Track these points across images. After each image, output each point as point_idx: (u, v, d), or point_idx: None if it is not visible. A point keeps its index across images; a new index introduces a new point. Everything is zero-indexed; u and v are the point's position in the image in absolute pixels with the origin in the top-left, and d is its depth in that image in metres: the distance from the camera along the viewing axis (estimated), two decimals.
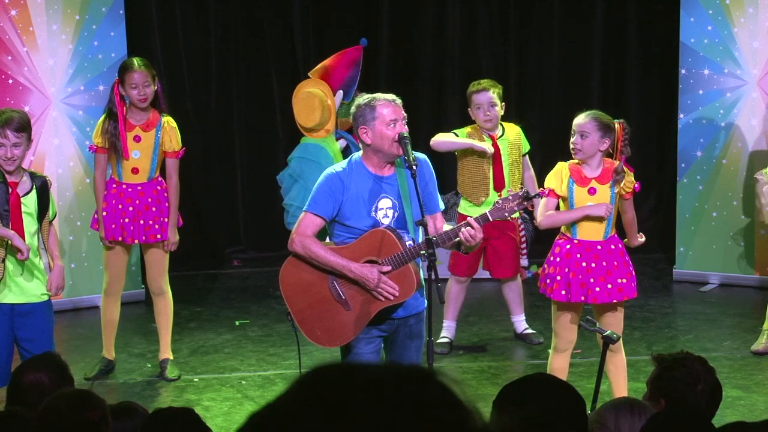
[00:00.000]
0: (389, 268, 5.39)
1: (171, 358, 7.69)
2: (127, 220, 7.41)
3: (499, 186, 7.92)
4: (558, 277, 6.38)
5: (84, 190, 9.07)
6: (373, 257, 5.41)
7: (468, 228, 5.37)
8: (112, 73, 9.28)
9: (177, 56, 10.40)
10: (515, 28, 10.87)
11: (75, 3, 9.08)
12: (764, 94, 9.45)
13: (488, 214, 5.48)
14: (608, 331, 5.50)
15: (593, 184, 6.36)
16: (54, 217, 6.62)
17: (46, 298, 6.48)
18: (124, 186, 7.43)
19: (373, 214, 5.47)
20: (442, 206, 5.77)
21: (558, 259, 6.42)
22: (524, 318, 8.34)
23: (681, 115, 9.76)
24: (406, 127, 5.52)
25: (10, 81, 8.87)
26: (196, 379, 7.62)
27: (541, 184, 7.03)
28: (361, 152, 5.58)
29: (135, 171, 7.41)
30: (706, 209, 9.73)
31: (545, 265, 6.52)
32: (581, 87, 10.84)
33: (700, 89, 9.65)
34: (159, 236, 7.45)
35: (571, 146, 6.35)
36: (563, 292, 6.37)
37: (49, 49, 9.00)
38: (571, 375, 6.88)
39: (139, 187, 7.41)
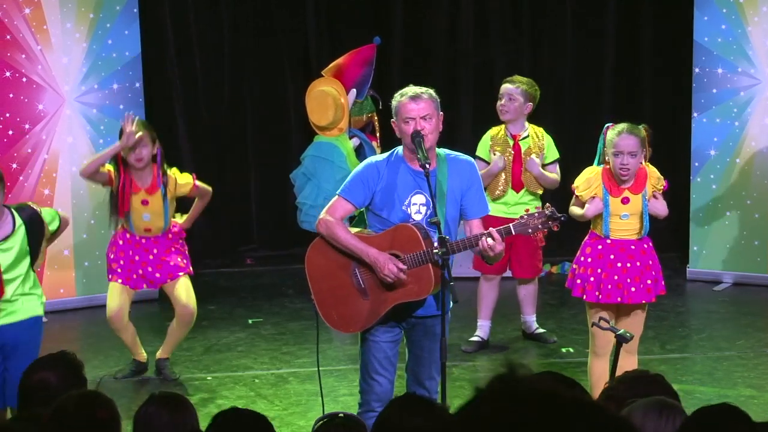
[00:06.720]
0: (405, 266, 5.39)
1: (169, 357, 7.68)
2: (150, 268, 7.38)
3: (517, 186, 7.96)
4: (591, 278, 6.35)
5: (98, 189, 9.05)
6: (395, 251, 5.41)
7: (488, 239, 5.34)
8: (125, 72, 9.31)
9: (190, 55, 10.41)
10: (528, 26, 10.87)
11: (89, 1, 9.10)
12: None
13: (511, 228, 5.41)
14: (621, 330, 5.49)
15: (626, 193, 6.34)
16: (58, 226, 6.20)
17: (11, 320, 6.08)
18: (137, 237, 7.40)
19: (405, 208, 5.47)
20: (487, 211, 5.65)
21: (589, 260, 6.39)
22: (535, 318, 8.37)
23: (694, 114, 9.74)
24: (428, 124, 5.46)
25: (24, 79, 8.89)
26: (209, 378, 7.64)
27: (568, 184, 6.98)
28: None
29: (148, 230, 7.39)
30: (720, 208, 9.71)
31: (575, 266, 6.48)
32: (594, 86, 10.83)
33: (713, 88, 9.63)
34: (180, 273, 7.39)
35: (619, 166, 6.24)
36: (597, 294, 6.34)
37: (63, 48, 9.02)
38: (581, 374, 6.86)
39: (153, 239, 7.41)
